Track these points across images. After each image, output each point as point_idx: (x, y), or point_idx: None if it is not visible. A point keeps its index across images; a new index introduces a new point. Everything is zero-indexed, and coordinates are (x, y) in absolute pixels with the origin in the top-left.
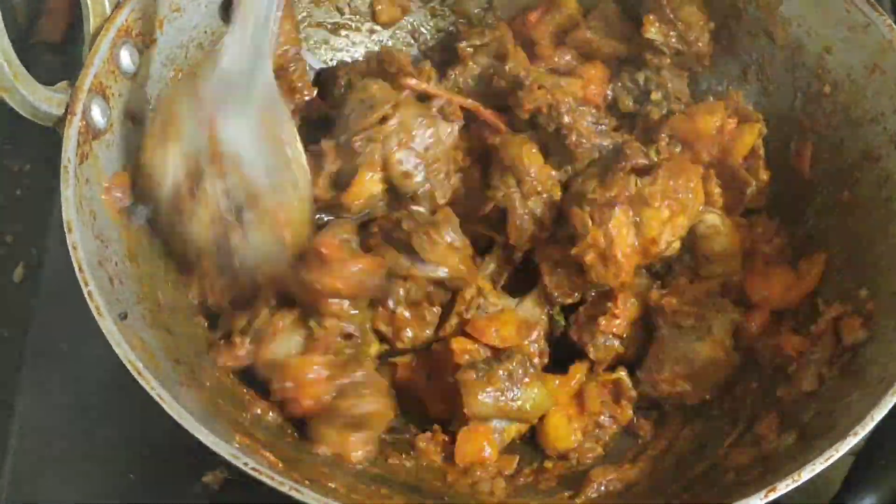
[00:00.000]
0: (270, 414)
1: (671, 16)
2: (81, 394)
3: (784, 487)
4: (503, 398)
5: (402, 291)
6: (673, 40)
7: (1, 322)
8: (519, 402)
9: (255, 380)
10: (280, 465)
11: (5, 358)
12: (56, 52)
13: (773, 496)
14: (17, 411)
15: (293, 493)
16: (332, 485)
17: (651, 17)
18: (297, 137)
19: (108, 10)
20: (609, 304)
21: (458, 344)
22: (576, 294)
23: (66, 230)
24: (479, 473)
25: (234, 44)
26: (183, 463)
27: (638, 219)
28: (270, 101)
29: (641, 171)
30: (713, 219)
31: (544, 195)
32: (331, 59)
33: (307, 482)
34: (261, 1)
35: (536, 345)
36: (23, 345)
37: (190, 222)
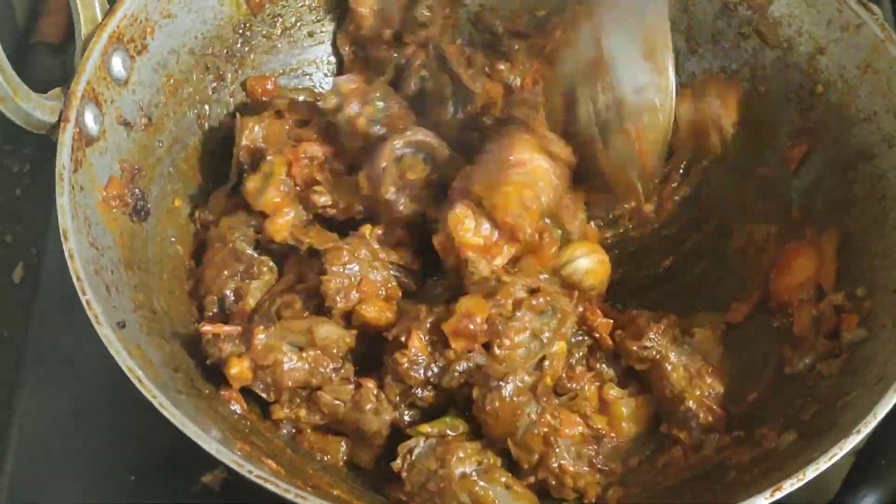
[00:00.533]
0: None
1: None
2: (81, 394)
3: (789, 486)
4: None
5: None
6: None
7: (1, 322)
8: None
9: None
10: (283, 472)
11: (5, 358)
12: (56, 53)
13: (779, 495)
14: (17, 411)
15: (298, 500)
16: (336, 492)
17: None
18: (671, 62)
19: (100, 16)
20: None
21: None
22: None
23: (62, 238)
24: None
25: None
26: (183, 463)
27: None
28: (659, 19)
29: None
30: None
31: None
32: None
33: (309, 489)
34: None
35: None
36: (23, 345)
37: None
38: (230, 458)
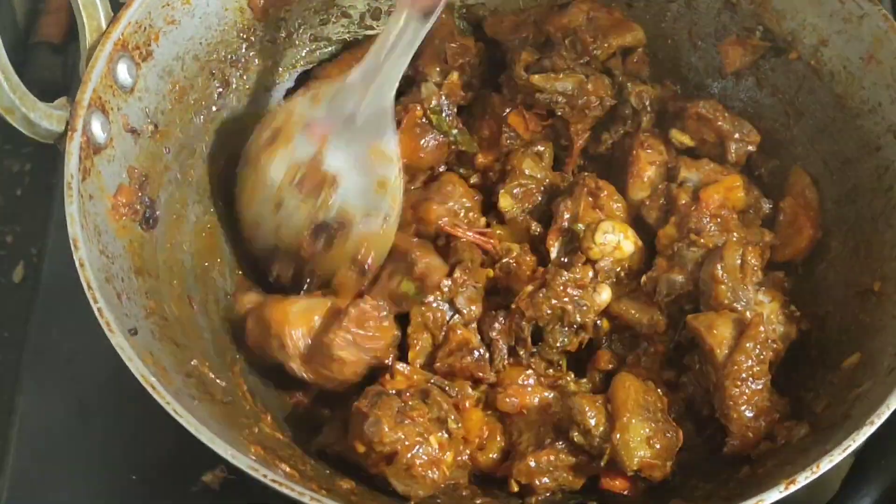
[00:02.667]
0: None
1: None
2: (81, 394)
3: (804, 479)
4: None
5: None
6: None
7: (1, 322)
8: None
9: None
10: (297, 475)
11: (5, 358)
12: (56, 52)
13: (793, 488)
14: (17, 411)
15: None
16: (346, 486)
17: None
18: (398, 172)
19: (104, 25)
20: None
21: None
22: None
23: (72, 247)
24: None
25: (361, 70)
26: (183, 462)
27: None
28: (381, 131)
29: None
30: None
31: None
32: None
33: (324, 492)
34: (398, 34)
35: None
36: (23, 345)
37: (280, 222)
38: (246, 463)
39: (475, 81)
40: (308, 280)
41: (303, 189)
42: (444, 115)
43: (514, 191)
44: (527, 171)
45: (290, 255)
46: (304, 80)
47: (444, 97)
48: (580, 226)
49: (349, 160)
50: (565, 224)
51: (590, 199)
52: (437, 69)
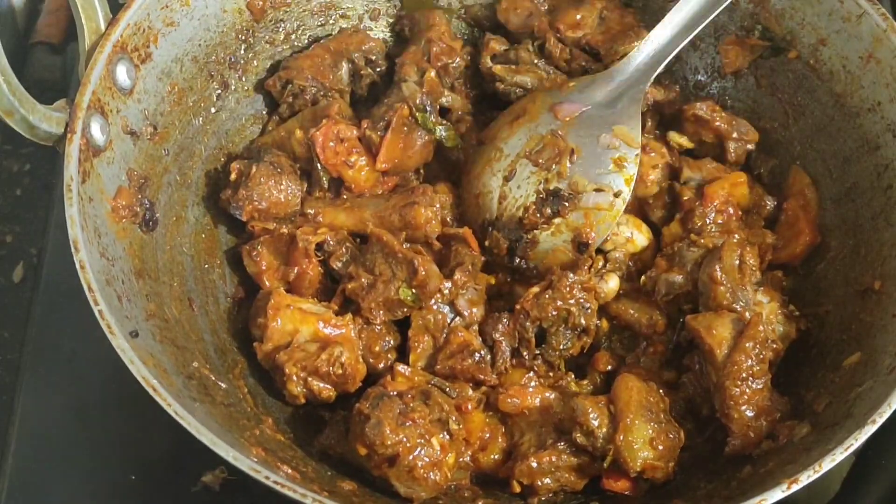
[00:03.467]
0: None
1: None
2: (81, 394)
3: (806, 478)
4: None
5: None
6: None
7: (1, 322)
8: None
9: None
10: (298, 477)
11: (5, 358)
12: (56, 52)
13: (795, 487)
14: (17, 411)
15: None
16: (348, 487)
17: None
18: (637, 156)
19: (103, 27)
20: None
21: None
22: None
23: (73, 249)
24: None
25: (623, 67)
26: (183, 463)
27: None
28: (630, 117)
29: None
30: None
31: None
32: None
33: (325, 493)
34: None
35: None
36: (23, 345)
37: (507, 193)
38: (248, 465)
39: (458, 84)
40: (521, 256)
41: (540, 158)
42: (427, 112)
43: None
44: None
45: (509, 227)
46: (274, 69)
47: (425, 95)
48: None
49: (591, 137)
50: None
51: None
52: (415, 69)
